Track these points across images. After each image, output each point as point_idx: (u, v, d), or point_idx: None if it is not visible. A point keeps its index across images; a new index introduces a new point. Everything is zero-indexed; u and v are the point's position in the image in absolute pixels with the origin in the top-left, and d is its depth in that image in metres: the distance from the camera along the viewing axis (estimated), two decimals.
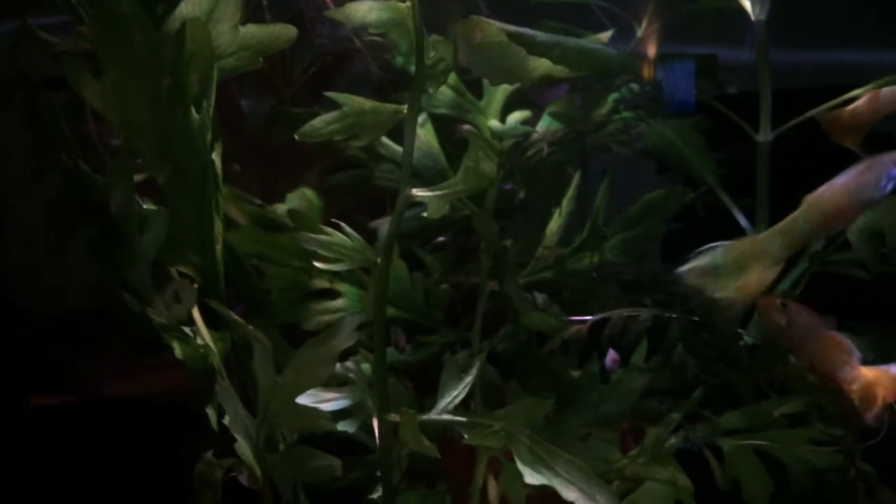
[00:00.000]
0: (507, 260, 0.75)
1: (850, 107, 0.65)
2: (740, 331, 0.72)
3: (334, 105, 0.66)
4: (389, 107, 0.58)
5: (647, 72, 0.83)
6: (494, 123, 0.93)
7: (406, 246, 0.88)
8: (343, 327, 0.53)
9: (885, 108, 0.66)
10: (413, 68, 0.92)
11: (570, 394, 0.80)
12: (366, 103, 0.58)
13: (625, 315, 0.74)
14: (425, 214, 0.60)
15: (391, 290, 0.81)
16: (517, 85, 0.93)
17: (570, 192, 0.86)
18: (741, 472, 0.64)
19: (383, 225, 0.89)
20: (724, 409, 0.75)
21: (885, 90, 0.65)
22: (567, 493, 0.49)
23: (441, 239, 0.87)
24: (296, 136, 0.58)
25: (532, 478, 0.49)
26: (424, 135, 0.91)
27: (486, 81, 0.93)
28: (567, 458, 0.51)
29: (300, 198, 0.94)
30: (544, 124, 0.96)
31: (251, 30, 0.62)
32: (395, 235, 0.61)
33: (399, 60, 0.94)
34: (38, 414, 0.89)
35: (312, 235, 0.61)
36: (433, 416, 0.55)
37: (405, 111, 0.58)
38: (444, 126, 0.98)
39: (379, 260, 0.59)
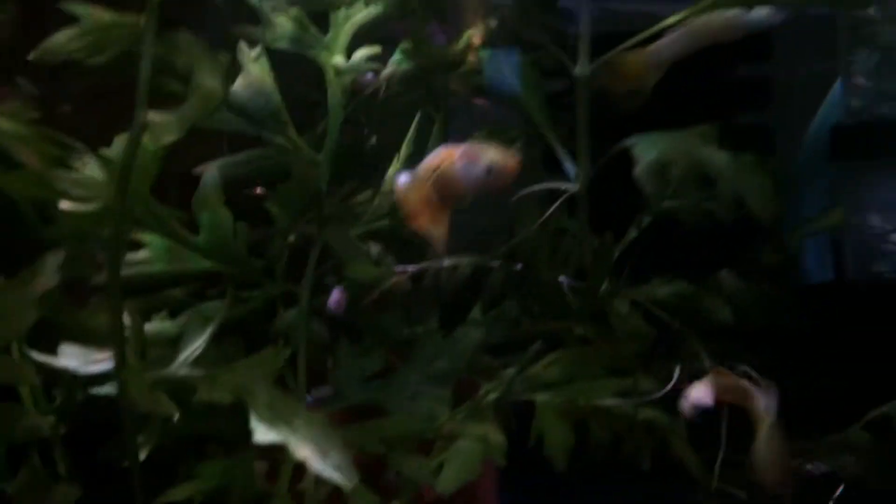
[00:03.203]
0: (323, 205, 0.70)
1: (648, 48, 0.64)
2: (562, 279, 0.68)
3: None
4: (130, 19, 0.51)
5: (472, 57, 0.78)
6: (339, 60, 0.86)
7: (235, 194, 0.82)
8: (45, 267, 0.47)
9: (677, 50, 0.65)
10: None
11: (404, 350, 0.76)
12: (107, 16, 0.51)
13: (444, 265, 0.69)
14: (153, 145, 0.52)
15: (207, 241, 0.75)
16: (367, 18, 0.87)
17: (410, 135, 0.80)
18: (545, 427, 0.61)
19: (208, 170, 0.83)
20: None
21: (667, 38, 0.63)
22: (300, 450, 0.44)
23: (259, 190, 0.81)
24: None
25: (265, 435, 0.44)
26: (257, 70, 0.83)
27: (333, 16, 0.86)
28: (306, 415, 0.46)
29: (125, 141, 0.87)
30: (396, 60, 0.89)
31: None
32: (130, 162, 0.54)
33: None
34: None
35: (64, 173, 0.54)
36: (171, 370, 0.50)
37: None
38: (301, 65, 0.92)
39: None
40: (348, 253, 0.72)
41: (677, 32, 0.67)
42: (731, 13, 0.67)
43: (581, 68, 0.64)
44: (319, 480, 0.66)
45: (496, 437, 0.63)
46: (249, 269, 0.76)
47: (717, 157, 0.61)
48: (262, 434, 0.44)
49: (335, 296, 0.68)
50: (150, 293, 0.73)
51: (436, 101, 0.88)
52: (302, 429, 0.45)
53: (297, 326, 0.75)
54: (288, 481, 0.66)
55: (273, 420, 0.45)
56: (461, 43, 0.89)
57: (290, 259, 0.83)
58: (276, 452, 0.68)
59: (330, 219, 0.72)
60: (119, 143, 0.84)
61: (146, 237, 0.71)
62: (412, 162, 0.82)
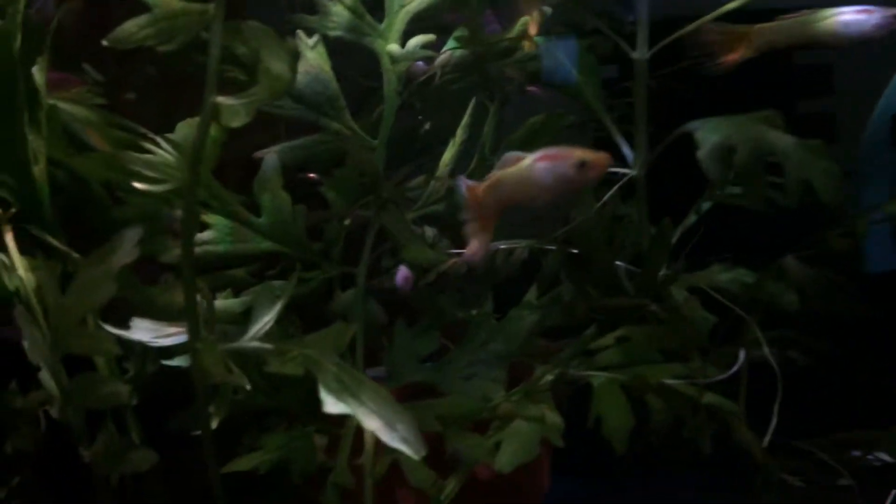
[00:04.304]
0: (381, 189, 0.71)
1: (755, 27, 0.63)
2: (619, 263, 0.68)
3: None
4: (197, 7, 0.53)
5: (528, 46, 0.78)
6: (394, 47, 0.87)
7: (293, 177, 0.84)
8: (122, 243, 0.49)
9: (780, 39, 0.64)
10: None
11: (458, 331, 0.77)
12: (176, 4, 0.53)
13: (501, 247, 0.69)
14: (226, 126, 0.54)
15: (269, 223, 0.77)
16: (421, 7, 0.88)
17: (465, 120, 0.80)
18: (604, 408, 0.61)
19: (268, 155, 0.84)
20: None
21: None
22: (369, 422, 0.45)
23: (311, 175, 0.82)
24: (104, 43, 0.53)
25: (334, 406, 0.45)
26: (315, 58, 0.85)
27: (388, 4, 0.88)
28: (373, 387, 0.47)
29: (192, 126, 0.90)
30: (448, 48, 0.90)
31: None
32: (203, 144, 0.56)
33: None
34: None
35: (137, 155, 0.56)
36: (241, 343, 0.51)
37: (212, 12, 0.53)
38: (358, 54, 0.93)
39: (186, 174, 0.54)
40: (405, 236, 0.73)
41: (786, 23, 0.66)
42: (843, 20, 0.64)
43: (640, 52, 0.63)
44: (378, 455, 0.67)
45: (553, 418, 0.63)
46: (308, 250, 0.77)
47: (783, 142, 0.59)
48: (332, 405, 0.45)
49: (402, 273, 0.69)
50: (214, 272, 0.75)
51: (490, 87, 0.88)
52: (369, 402, 0.46)
53: (354, 307, 0.76)
54: (347, 456, 0.67)
55: (341, 392, 0.46)
56: (515, 30, 0.89)
57: (345, 242, 0.85)
58: (335, 428, 0.70)
59: (387, 203, 0.73)
60: (182, 128, 0.87)
61: (211, 219, 0.73)
62: (466, 147, 0.83)
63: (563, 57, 0.76)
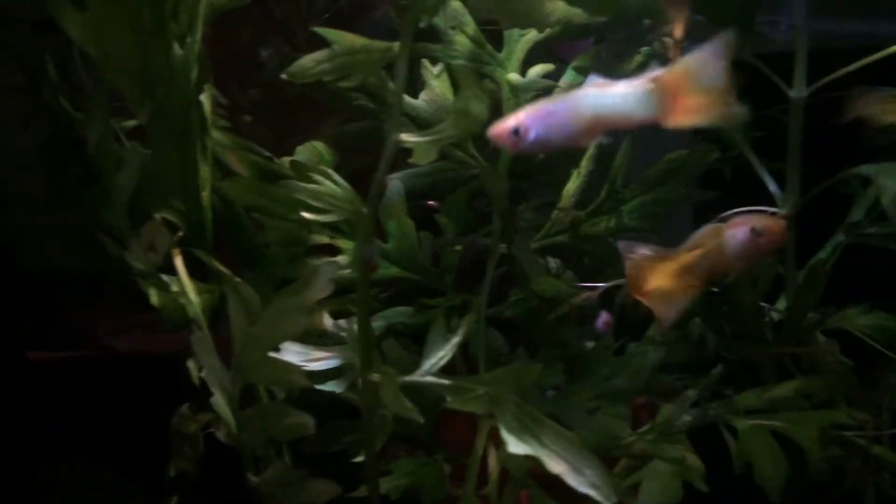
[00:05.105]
0: (515, 220, 0.71)
1: None
2: (763, 304, 0.67)
3: None
4: (380, 45, 0.54)
5: (673, 54, 0.77)
6: (514, 76, 0.88)
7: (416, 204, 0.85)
8: (318, 277, 0.50)
9: None
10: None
11: (580, 365, 0.76)
12: (357, 41, 0.53)
13: None
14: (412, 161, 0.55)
15: (395, 249, 0.77)
16: (539, 37, 0.88)
17: (590, 151, 0.80)
18: (754, 454, 0.60)
19: (392, 181, 0.85)
20: (745, 387, 0.70)
21: None
22: (553, 465, 0.45)
23: (431, 202, 0.83)
24: (283, 76, 0.54)
25: (517, 447, 0.45)
26: (439, 86, 0.86)
27: (507, 33, 0.88)
28: (555, 429, 0.47)
29: (310, 150, 0.91)
30: (568, 79, 0.90)
31: None
32: (383, 183, 0.56)
33: None
34: (38, 369, 0.87)
35: (303, 185, 0.57)
36: (416, 377, 0.51)
37: (397, 50, 0.54)
38: None
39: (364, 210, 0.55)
40: (533, 268, 0.73)
41: None
42: None
43: (797, 91, 0.63)
44: (503, 485, 0.67)
45: (693, 460, 0.62)
46: (432, 277, 0.78)
47: None
48: (514, 446, 0.45)
49: (603, 317, 0.69)
50: (341, 296, 0.76)
51: None
52: (552, 444, 0.46)
53: (476, 335, 0.76)
54: (474, 485, 0.67)
55: (521, 433, 0.46)
56: (635, 61, 0.89)
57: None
58: (460, 456, 0.70)
59: (517, 233, 0.73)
60: (303, 153, 0.89)
61: (344, 244, 0.74)
62: (590, 178, 0.82)
63: None
